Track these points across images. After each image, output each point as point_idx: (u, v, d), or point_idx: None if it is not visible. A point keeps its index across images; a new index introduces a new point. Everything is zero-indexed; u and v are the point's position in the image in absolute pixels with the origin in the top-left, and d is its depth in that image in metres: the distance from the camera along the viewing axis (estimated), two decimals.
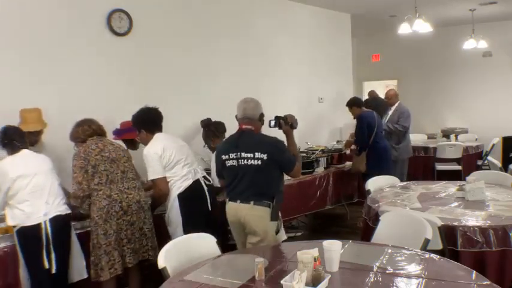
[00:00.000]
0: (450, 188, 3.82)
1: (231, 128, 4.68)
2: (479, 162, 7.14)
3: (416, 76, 9.49)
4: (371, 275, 2.05)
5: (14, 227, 2.82)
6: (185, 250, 2.46)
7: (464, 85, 9.01)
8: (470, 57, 8.56)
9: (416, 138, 7.51)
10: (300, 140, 4.62)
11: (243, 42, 5.59)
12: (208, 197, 3.48)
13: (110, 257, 2.98)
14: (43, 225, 2.83)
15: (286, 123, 3.23)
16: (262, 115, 3.14)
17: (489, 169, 5.57)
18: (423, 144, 7.20)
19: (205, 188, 3.49)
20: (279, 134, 3.16)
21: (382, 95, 8.87)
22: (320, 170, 5.24)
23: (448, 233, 2.73)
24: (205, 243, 2.58)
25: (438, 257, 2.29)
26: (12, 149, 2.94)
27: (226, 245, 3.70)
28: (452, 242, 2.72)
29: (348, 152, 5.95)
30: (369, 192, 3.82)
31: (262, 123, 3.15)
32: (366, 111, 5.42)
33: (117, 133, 3.81)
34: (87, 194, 3.07)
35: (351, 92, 7.55)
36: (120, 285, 3.33)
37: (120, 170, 3.13)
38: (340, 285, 2.03)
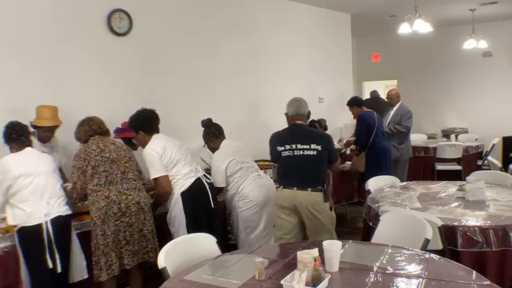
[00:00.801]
0: (450, 188, 3.82)
1: (231, 128, 4.70)
2: (479, 162, 7.14)
3: (416, 76, 9.49)
4: (371, 275, 2.05)
5: (15, 226, 2.82)
6: (185, 250, 2.45)
7: (464, 85, 9.01)
8: (470, 57, 8.57)
9: (416, 138, 7.51)
10: None
11: (243, 42, 5.59)
12: (210, 194, 3.50)
13: (108, 258, 2.98)
14: (44, 226, 2.82)
15: (321, 126, 3.69)
16: (309, 113, 3.53)
17: (489, 169, 5.57)
18: (423, 144, 7.20)
19: (207, 186, 3.51)
20: None
21: (382, 95, 8.92)
22: None
23: (448, 233, 2.73)
24: (205, 243, 2.58)
25: (438, 257, 2.29)
26: (20, 145, 2.92)
27: (226, 245, 3.71)
28: (452, 242, 2.72)
29: (348, 151, 5.95)
30: (369, 192, 3.82)
31: (308, 119, 3.56)
32: (366, 111, 5.41)
33: (117, 131, 3.82)
34: (80, 195, 3.10)
35: (351, 92, 7.55)
36: (121, 285, 3.33)
37: (120, 170, 3.12)
38: (340, 285, 2.03)
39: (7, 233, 2.90)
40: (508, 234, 2.67)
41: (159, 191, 3.39)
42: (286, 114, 3.55)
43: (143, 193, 3.22)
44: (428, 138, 8.06)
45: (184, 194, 3.37)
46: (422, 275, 2.03)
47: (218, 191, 3.86)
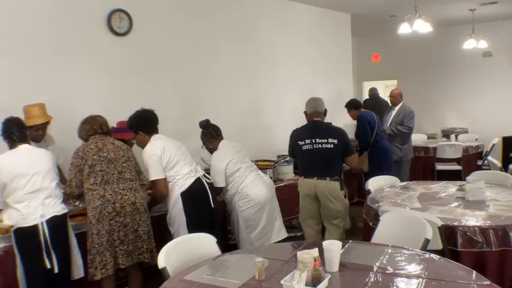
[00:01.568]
0: (450, 188, 3.82)
1: (232, 128, 4.71)
2: (479, 162, 7.14)
3: (416, 76, 9.49)
4: (371, 275, 2.05)
5: (12, 226, 2.81)
6: (185, 250, 2.45)
7: (464, 85, 9.01)
8: (470, 57, 8.56)
9: (416, 138, 7.50)
10: None
11: (243, 42, 5.59)
12: (210, 194, 3.51)
13: (102, 257, 2.97)
14: (40, 227, 2.81)
15: None
16: (326, 110, 3.98)
17: (489, 169, 5.57)
18: (423, 144, 7.19)
19: (207, 186, 3.51)
20: None
21: (381, 95, 8.92)
22: None
23: (448, 233, 2.73)
24: (205, 243, 2.58)
25: (438, 257, 2.29)
26: (11, 142, 2.91)
27: (226, 245, 3.71)
28: (452, 242, 2.72)
29: None
30: (369, 192, 3.82)
31: (325, 116, 3.98)
32: (365, 111, 5.41)
33: (112, 130, 3.79)
34: (74, 193, 3.10)
35: (351, 92, 7.56)
36: (121, 285, 3.33)
37: (117, 170, 3.10)
38: (340, 285, 2.03)
39: (7, 233, 2.89)
40: (508, 234, 2.67)
41: (155, 193, 3.40)
42: (305, 112, 3.99)
43: (140, 194, 3.19)
44: (428, 138, 8.06)
45: (184, 194, 3.38)
46: (422, 275, 2.03)
47: (218, 191, 3.87)
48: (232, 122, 5.18)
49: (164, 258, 2.29)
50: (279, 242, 3.82)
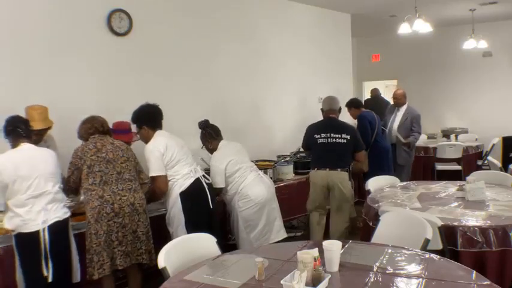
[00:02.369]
0: (450, 188, 3.82)
1: (232, 128, 4.71)
2: (479, 162, 7.14)
3: (416, 76, 9.49)
4: (371, 275, 2.05)
5: (13, 231, 2.75)
6: (185, 250, 2.45)
7: (464, 85, 9.01)
8: (470, 57, 8.57)
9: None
10: (300, 139, 4.62)
11: (242, 42, 5.59)
12: (209, 195, 3.50)
13: (100, 257, 2.97)
14: (41, 233, 2.74)
15: None
16: (340, 108, 4.38)
17: (489, 169, 5.57)
18: (423, 144, 7.19)
19: (206, 186, 3.51)
20: None
21: (382, 95, 8.92)
22: None
23: (448, 233, 2.73)
24: (205, 243, 2.58)
25: (438, 257, 2.29)
26: (16, 137, 2.83)
27: (226, 245, 3.71)
28: (452, 242, 2.72)
29: None
30: (369, 192, 3.82)
31: (340, 113, 4.37)
32: (366, 110, 5.42)
33: None
34: (72, 188, 3.11)
35: (351, 92, 7.56)
36: (121, 285, 3.33)
37: (116, 171, 3.09)
38: (340, 285, 2.03)
39: (7, 233, 2.88)
40: (508, 234, 2.68)
41: (154, 189, 3.39)
42: (321, 109, 4.40)
43: (139, 194, 3.18)
44: (428, 138, 8.06)
45: (183, 194, 3.37)
46: (422, 275, 2.03)
47: (218, 191, 3.87)
48: (232, 122, 5.19)
49: (164, 258, 2.29)
50: (278, 242, 3.82)
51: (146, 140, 3.46)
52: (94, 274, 2.96)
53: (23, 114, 3.22)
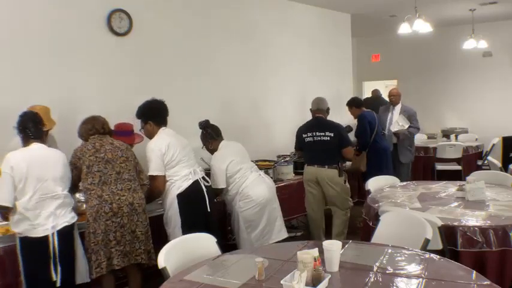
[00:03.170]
0: (450, 188, 3.82)
1: (232, 128, 4.71)
2: (479, 162, 7.14)
3: (416, 76, 9.49)
4: (371, 275, 2.05)
5: (19, 233, 2.71)
6: (185, 250, 2.45)
7: (464, 85, 9.01)
8: (470, 57, 8.57)
9: (416, 138, 7.48)
10: None
11: (243, 42, 5.59)
12: (207, 197, 3.47)
13: (97, 256, 2.97)
14: (51, 238, 2.72)
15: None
16: (328, 108, 4.54)
17: (489, 169, 5.57)
18: (423, 144, 7.20)
19: (204, 189, 3.48)
20: None
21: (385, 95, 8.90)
22: None
23: (448, 233, 2.73)
24: (205, 243, 2.58)
25: (438, 257, 2.29)
26: (26, 137, 2.81)
27: (226, 245, 3.71)
28: (452, 242, 2.72)
29: None
30: (369, 192, 3.82)
31: (328, 114, 4.54)
32: (366, 111, 5.42)
33: None
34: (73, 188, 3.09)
35: (351, 92, 7.55)
36: (121, 285, 3.33)
37: (115, 171, 3.09)
38: (340, 285, 2.03)
39: (7, 232, 2.87)
40: (508, 234, 2.67)
41: (152, 188, 3.38)
42: (310, 109, 4.56)
43: (138, 194, 3.17)
44: (428, 138, 8.06)
45: (180, 196, 3.35)
46: (422, 275, 2.03)
47: (218, 191, 3.86)
48: (232, 122, 5.18)
49: (164, 258, 2.29)
50: (279, 242, 3.82)
51: (150, 136, 3.46)
52: (92, 273, 2.97)
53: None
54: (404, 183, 4.24)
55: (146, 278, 3.29)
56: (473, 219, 2.87)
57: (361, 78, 10.16)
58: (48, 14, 3.83)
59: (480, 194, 3.36)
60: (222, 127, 4.10)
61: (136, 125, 3.69)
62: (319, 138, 4.31)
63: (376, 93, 8.49)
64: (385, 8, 7.06)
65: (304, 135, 4.40)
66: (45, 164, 2.79)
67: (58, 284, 2.76)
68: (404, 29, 5.65)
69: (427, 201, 3.40)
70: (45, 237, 2.72)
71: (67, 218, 2.85)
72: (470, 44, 7.40)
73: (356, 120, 5.47)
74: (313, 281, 1.91)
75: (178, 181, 3.37)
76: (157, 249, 2.40)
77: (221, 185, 3.82)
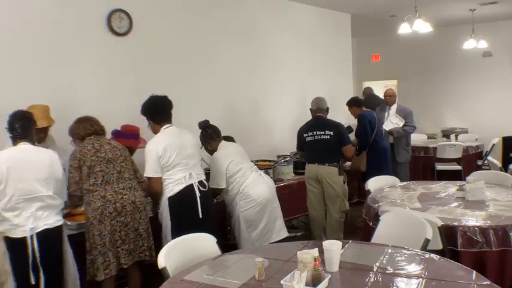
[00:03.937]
0: (450, 188, 3.82)
1: (232, 129, 4.70)
2: (479, 162, 7.14)
3: (416, 76, 9.49)
4: (371, 275, 2.05)
5: (2, 232, 2.65)
6: (185, 250, 2.45)
7: (464, 85, 9.01)
8: (470, 57, 8.56)
9: (416, 138, 7.50)
10: None
11: (243, 42, 5.59)
12: (199, 203, 3.33)
13: (105, 257, 2.96)
14: (29, 241, 2.64)
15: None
16: (328, 108, 4.61)
17: (489, 169, 5.57)
18: (423, 144, 7.20)
19: (198, 194, 3.33)
20: None
21: (381, 95, 8.87)
22: None
23: (448, 233, 2.73)
24: (205, 243, 2.58)
25: (438, 257, 2.29)
26: (13, 138, 2.76)
27: (226, 245, 3.71)
28: (452, 242, 2.72)
29: None
30: (369, 192, 3.82)
31: (327, 113, 4.62)
32: (366, 110, 5.42)
33: (114, 134, 3.78)
34: (75, 196, 3.05)
35: (351, 92, 7.55)
36: (120, 285, 3.33)
37: (116, 170, 3.10)
38: (340, 285, 2.03)
39: None
40: (508, 234, 2.68)
41: (149, 190, 3.38)
42: (310, 109, 4.64)
43: (138, 192, 3.20)
44: (428, 138, 8.06)
45: (171, 199, 3.29)
46: (422, 275, 2.03)
47: (218, 192, 3.86)
48: (232, 122, 5.18)
49: (164, 258, 2.29)
50: (279, 241, 3.82)
51: (155, 133, 3.42)
52: (97, 275, 2.96)
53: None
54: (405, 183, 4.24)
55: (146, 278, 3.29)
56: (473, 219, 2.87)
57: (361, 78, 10.16)
58: (48, 14, 3.83)
59: (480, 194, 3.36)
60: (221, 127, 4.10)
61: (142, 128, 3.68)
62: (319, 137, 4.38)
63: (368, 91, 8.22)
64: (385, 8, 7.06)
65: (305, 135, 4.47)
66: (27, 164, 2.70)
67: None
68: (404, 29, 5.65)
69: (427, 201, 3.40)
70: (24, 239, 2.65)
71: (50, 220, 2.75)
72: (470, 44, 7.40)
73: (356, 120, 5.47)
74: (313, 281, 1.91)
75: (171, 184, 3.30)
76: (156, 248, 2.39)
77: (221, 185, 3.82)
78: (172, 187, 3.31)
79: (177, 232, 3.09)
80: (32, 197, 2.69)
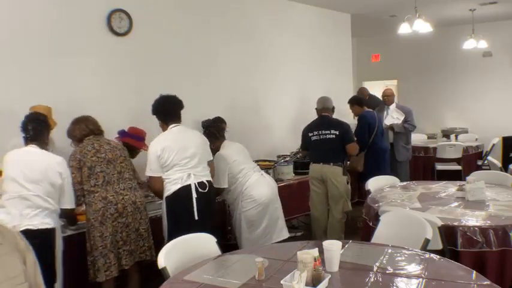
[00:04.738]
0: (450, 188, 3.82)
1: (233, 129, 4.70)
2: (479, 162, 7.14)
3: (416, 76, 9.49)
4: (371, 275, 2.05)
5: None
6: (185, 250, 2.45)
7: (464, 85, 9.01)
8: (470, 57, 8.56)
9: (416, 138, 7.49)
10: (300, 139, 4.64)
11: (243, 42, 5.59)
12: (195, 205, 3.24)
13: (106, 259, 2.96)
14: None
15: None
16: (333, 107, 4.60)
17: (489, 169, 5.57)
18: (423, 144, 7.19)
19: (194, 195, 3.24)
20: None
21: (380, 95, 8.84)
22: None
23: (448, 233, 2.73)
24: (205, 243, 2.58)
25: (438, 257, 2.29)
26: (24, 139, 2.81)
27: (226, 245, 3.71)
28: (452, 242, 2.72)
29: None
30: (369, 192, 3.82)
31: (333, 112, 4.62)
32: (367, 110, 5.41)
33: (120, 134, 3.79)
34: (83, 194, 3.04)
35: (351, 92, 7.54)
36: (120, 285, 3.33)
37: (116, 170, 3.10)
38: (340, 285, 2.03)
39: None
40: (508, 234, 2.67)
41: (150, 189, 3.40)
42: (316, 108, 4.62)
43: (139, 192, 3.21)
44: (428, 138, 8.05)
45: (167, 199, 3.28)
46: (422, 275, 2.03)
47: (220, 191, 3.85)
48: (232, 122, 5.18)
49: (164, 258, 2.29)
50: (279, 242, 3.82)
51: (164, 131, 3.42)
52: (98, 277, 2.96)
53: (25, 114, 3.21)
54: (405, 183, 4.24)
55: (146, 278, 3.29)
56: (473, 219, 2.87)
57: (361, 78, 10.15)
58: (48, 14, 3.83)
59: (480, 194, 3.35)
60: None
61: (146, 129, 3.68)
62: (325, 136, 4.37)
63: (363, 91, 7.83)
64: (385, 8, 7.06)
65: (310, 134, 4.46)
66: (23, 165, 2.73)
67: None
68: (404, 29, 5.65)
69: (427, 201, 3.40)
70: None
71: (35, 221, 2.68)
72: (470, 44, 7.39)
73: (355, 119, 5.47)
74: (313, 281, 1.91)
75: (169, 184, 3.29)
76: (156, 248, 2.39)
77: (223, 184, 3.81)
78: (169, 187, 3.30)
79: (172, 232, 3.10)
80: (19, 195, 2.69)
